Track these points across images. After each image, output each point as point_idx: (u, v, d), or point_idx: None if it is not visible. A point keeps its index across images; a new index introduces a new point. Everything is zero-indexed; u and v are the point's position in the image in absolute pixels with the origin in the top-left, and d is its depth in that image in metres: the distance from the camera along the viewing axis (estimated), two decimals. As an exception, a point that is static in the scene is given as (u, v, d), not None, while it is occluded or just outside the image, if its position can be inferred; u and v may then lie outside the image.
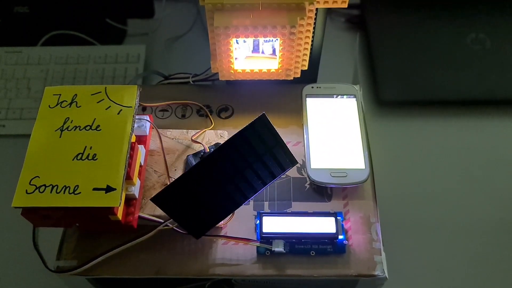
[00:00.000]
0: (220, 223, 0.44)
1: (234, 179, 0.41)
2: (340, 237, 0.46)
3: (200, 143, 0.49)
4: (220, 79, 0.52)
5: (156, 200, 0.39)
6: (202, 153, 0.48)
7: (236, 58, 0.50)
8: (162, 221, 0.44)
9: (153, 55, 0.80)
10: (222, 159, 0.40)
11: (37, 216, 0.42)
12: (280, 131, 0.41)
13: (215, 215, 0.43)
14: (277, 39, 0.47)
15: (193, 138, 0.50)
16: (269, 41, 0.49)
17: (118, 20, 0.81)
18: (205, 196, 0.41)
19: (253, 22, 0.45)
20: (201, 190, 0.40)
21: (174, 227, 0.44)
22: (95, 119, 0.44)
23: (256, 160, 0.41)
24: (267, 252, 0.46)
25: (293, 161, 0.42)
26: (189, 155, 0.49)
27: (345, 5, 0.47)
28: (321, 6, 0.47)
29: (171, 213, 0.41)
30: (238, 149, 0.40)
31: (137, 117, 0.47)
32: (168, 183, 0.46)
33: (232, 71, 0.50)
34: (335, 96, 0.55)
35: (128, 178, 0.42)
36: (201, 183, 0.40)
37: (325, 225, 0.46)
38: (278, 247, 0.45)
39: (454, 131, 0.69)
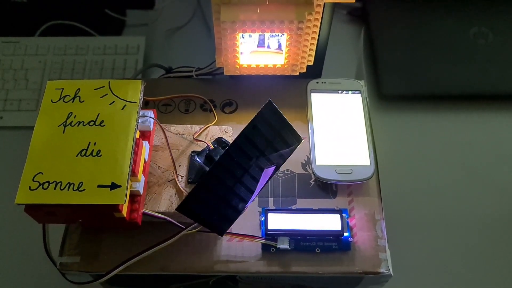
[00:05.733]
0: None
1: (250, 170, 0.40)
2: (345, 234, 0.46)
3: (203, 141, 0.48)
4: (225, 73, 0.51)
5: (181, 209, 0.39)
6: (207, 151, 0.47)
7: (241, 53, 0.49)
8: (166, 217, 0.44)
9: (153, 46, 0.79)
10: (237, 154, 0.39)
11: (41, 213, 0.41)
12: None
13: (235, 209, 0.42)
14: (283, 34, 0.47)
15: (194, 137, 0.49)
16: (275, 36, 0.48)
17: (117, 11, 0.80)
18: (225, 193, 0.41)
19: (260, 16, 0.44)
20: (221, 189, 0.40)
21: (197, 231, 0.44)
22: (98, 114, 0.43)
23: (267, 146, 0.41)
24: (272, 249, 0.45)
25: (298, 139, 0.43)
26: (193, 151, 0.48)
27: (353, 0, 0.46)
28: (329, 0, 0.46)
29: (197, 218, 0.41)
30: (251, 140, 0.39)
31: (141, 112, 0.46)
32: (176, 179, 0.46)
33: (238, 66, 0.50)
34: (340, 91, 0.54)
35: (133, 174, 0.42)
36: (221, 182, 0.40)
37: (331, 222, 0.46)
38: (283, 244, 0.45)
39: (457, 125, 0.69)
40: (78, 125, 0.43)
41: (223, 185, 0.40)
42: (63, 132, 0.42)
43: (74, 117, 0.43)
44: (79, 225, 0.47)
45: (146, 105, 0.54)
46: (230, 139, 0.49)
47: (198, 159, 0.47)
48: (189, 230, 0.43)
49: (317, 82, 0.55)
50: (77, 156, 0.41)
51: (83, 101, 0.44)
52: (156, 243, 0.43)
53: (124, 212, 0.41)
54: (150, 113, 0.47)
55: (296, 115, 0.53)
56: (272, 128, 0.41)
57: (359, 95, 0.54)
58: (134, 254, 0.43)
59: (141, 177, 0.44)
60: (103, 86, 0.45)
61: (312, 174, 0.49)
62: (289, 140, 0.42)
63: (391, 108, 0.70)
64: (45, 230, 0.45)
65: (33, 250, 0.56)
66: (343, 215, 0.46)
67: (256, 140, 0.40)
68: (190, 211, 0.40)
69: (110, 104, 0.44)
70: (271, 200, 0.48)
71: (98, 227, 0.47)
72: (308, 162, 0.51)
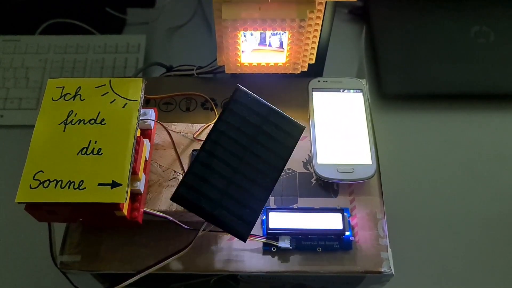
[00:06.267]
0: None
1: (244, 158, 0.40)
2: (347, 233, 0.46)
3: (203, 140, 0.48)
4: (226, 72, 0.51)
5: (175, 199, 0.38)
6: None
7: (242, 51, 0.49)
8: (167, 216, 0.44)
9: (154, 45, 0.78)
10: (223, 139, 0.39)
11: (41, 212, 0.41)
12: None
13: (250, 208, 0.41)
14: (285, 33, 0.46)
15: (195, 136, 0.49)
16: (276, 34, 0.48)
17: (118, 9, 0.80)
18: (225, 185, 0.40)
19: (262, 15, 0.44)
20: (216, 179, 0.39)
21: (210, 230, 0.44)
22: (99, 112, 0.43)
23: (258, 132, 0.40)
24: (273, 248, 0.45)
25: (300, 127, 0.43)
26: (194, 150, 0.48)
27: (355, -2, 0.46)
28: (331, -2, 0.46)
29: (196, 210, 0.40)
30: (234, 125, 0.39)
31: (141, 110, 0.46)
32: (183, 173, 0.45)
33: (239, 65, 0.50)
34: (341, 90, 0.54)
35: (134, 173, 0.42)
36: (212, 170, 0.39)
37: (332, 221, 0.46)
38: (285, 243, 0.45)
39: (458, 124, 0.69)
40: (78, 124, 0.43)
41: (215, 173, 0.39)
42: (64, 131, 0.42)
43: (75, 116, 0.43)
44: (80, 224, 0.47)
45: (147, 103, 0.54)
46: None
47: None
48: (203, 230, 0.43)
49: (319, 81, 0.55)
50: (77, 154, 0.41)
51: (84, 99, 0.44)
52: (175, 251, 0.43)
53: (125, 210, 0.41)
54: (151, 112, 0.47)
55: (298, 114, 0.53)
56: (257, 113, 0.41)
57: (361, 94, 0.54)
58: (152, 263, 0.43)
59: (142, 175, 0.43)
60: (104, 85, 0.45)
61: (313, 173, 0.49)
62: (289, 130, 0.42)
63: (393, 107, 0.70)
64: (51, 230, 0.44)
65: (34, 249, 0.56)
66: (345, 214, 0.46)
67: (240, 125, 0.40)
68: (185, 200, 0.39)
69: (111, 103, 0.44)
70: (272, 199, 0.48)
71: (99, 226, 0.47)
72: (309, 161, 0.50)
